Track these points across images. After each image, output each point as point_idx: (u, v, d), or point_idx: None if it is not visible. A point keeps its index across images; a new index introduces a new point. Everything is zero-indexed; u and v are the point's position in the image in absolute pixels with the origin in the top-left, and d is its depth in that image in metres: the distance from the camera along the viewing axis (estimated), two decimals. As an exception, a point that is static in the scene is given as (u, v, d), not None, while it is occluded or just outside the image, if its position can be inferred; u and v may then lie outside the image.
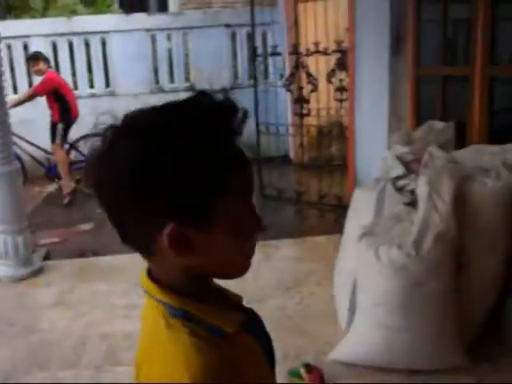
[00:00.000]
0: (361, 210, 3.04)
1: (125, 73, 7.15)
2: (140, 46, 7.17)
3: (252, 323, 0.84)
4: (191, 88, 7.25)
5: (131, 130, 0.72)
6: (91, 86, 7.31)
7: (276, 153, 6.65)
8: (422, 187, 2.66)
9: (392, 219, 2.79)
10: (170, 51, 7.33)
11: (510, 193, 2.64)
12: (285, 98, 6.62)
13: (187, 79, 7.49)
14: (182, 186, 0.68)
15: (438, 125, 3.40)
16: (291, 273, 3.84)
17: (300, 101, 5.32)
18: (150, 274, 0.78)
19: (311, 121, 5.78)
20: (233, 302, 0.86)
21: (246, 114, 0.74)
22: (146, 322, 0.79)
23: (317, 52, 5.12)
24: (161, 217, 0.70)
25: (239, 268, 0.80)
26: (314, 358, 2.78)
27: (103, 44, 7.18)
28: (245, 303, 0.89)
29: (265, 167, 6.62)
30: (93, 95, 7.17)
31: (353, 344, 2.71)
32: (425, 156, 3.15)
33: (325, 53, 5.08)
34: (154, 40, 7.25)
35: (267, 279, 3.71)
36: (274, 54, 5.51)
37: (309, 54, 5.25)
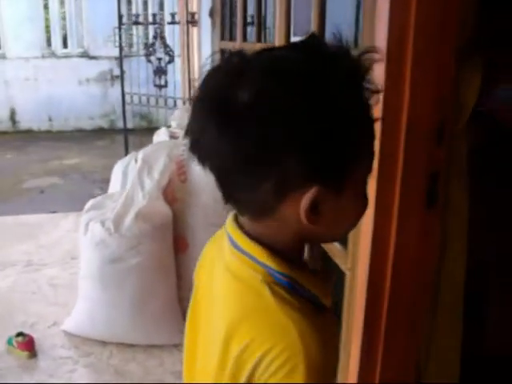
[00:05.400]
0: (113, 183, 3.05)
1: (16, 36, 7.02)
2: (31, 9, 7.03)
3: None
4: (85, 54, 7.15)
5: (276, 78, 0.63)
6: (-19, 49, 7.20)
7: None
8: (138, 163, 2.67)
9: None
10: (63, 15, 7.19)
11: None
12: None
13: (81, 45, 7.37)
14: (328, 143, 0.63)
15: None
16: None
17: (159, 72, 5.26)
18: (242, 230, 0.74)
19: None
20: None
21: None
22: (230, 277, 0.74)
23: (173, 23, 5.06)
24: (300, 179, 0.64)
25: (343, 235, 0.81)
26: (48, 328, 2.83)
27: (-7, 5, 7.04)
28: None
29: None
30: (-17, 58, 7.06)
31: (75, 316, 2.75)
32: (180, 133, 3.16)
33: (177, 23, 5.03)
34: (46, 3, 7.11)
35: (60, 248, 3.77)
36: (137, 23, 5.41)
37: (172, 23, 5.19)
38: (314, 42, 0.67)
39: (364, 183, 0.72)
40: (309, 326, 0.66)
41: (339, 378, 1.52)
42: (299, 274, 0.71)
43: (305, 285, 0.71)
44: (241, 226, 0.75)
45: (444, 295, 1.43)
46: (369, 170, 0.72)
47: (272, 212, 0.68)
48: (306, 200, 0.65)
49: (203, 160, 0.68)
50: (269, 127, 0.62)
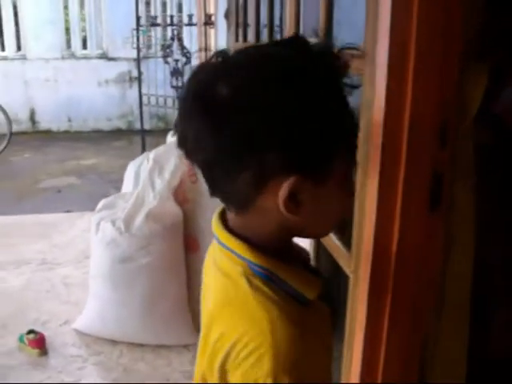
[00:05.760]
0: (126, 183, 3.07)
1: (36, 37, 7.12)
2: (52, 11, 7.13)
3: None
4: (104, 55, 7.22)
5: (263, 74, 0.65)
6: (2, 49, 7.31)
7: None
8: (149, 164, 2.68)
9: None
10: (83, 17, 7.28)
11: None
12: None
13: (100, 46, 7.45)
14: (306, 137, 0.65)
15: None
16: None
17: (175, 73, 5.30)
18: (226, 226, 0.76)
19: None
20: (303, 258, 0.83)
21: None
22: (219, 273, 0.76)
23: (190, 24, 5.10)
24: (278, 170, 0.65)
25: (329, 228, 0.83)
26: (60, 326, 2.86)
27: (14, 7, 7.15)
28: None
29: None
30: (4, 58, 7.17)
31: (86, 315, 2.77)
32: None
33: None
34: (66, 5, 7.20)
35: (75, 247, 3.81)
36: (155, 24, 5.46)
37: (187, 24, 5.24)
38: (297, 40, 0.69)
39: (347, 176, 0.74)
40: (281, 317, 0.67)
41: (342, 378, 1.51)
42: (277, 266, 0.72)
43: (283, 277, 0.72)
44: (225, 223, 0.77)
45: (450, 298, 1.41)
46: (351, 163, 0.74)
47: (253, 203, 0.69)
48: (284, 189, 0.66)
49: (189, 155, 0.71)
50: (247, 122, 0.64)
